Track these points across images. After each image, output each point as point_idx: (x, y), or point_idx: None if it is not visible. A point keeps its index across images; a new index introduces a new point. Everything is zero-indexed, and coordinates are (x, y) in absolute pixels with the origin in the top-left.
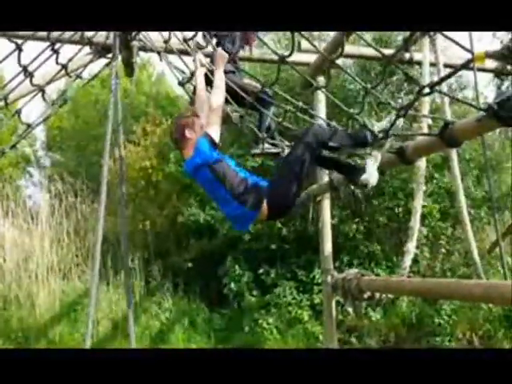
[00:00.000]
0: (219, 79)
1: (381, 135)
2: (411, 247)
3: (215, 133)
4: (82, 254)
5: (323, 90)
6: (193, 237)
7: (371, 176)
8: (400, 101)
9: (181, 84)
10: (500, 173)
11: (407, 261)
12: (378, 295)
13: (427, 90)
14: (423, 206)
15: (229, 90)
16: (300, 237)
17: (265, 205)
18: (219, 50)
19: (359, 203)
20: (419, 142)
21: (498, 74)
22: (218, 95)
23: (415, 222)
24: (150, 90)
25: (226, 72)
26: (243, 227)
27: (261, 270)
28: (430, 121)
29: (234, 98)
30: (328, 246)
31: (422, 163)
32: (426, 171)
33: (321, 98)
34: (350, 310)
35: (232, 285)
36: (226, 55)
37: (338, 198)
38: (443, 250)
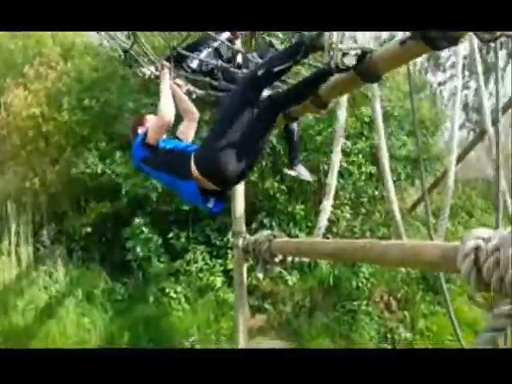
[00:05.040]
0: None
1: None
2: (327, 206)
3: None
4: None
5: None
6: (93, 197)
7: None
8: None
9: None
10: (432, 135)
11: (322, 220)
12: (290, 258)
13: None
14: (350, 163)
15: None
16: None
17: (193, 168)
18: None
19: (278, 157)
20: (333, 80)
21: None
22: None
23: (332, 178)
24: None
25: None
26: (197, 202)
27: (170, 234)
28: None
29: None
30: (240, 206)
31: (341, 112)
32: (355, 128)
33: None
34: (260, 275)
35: (138, 249)
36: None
37: None
38: (363, 210)
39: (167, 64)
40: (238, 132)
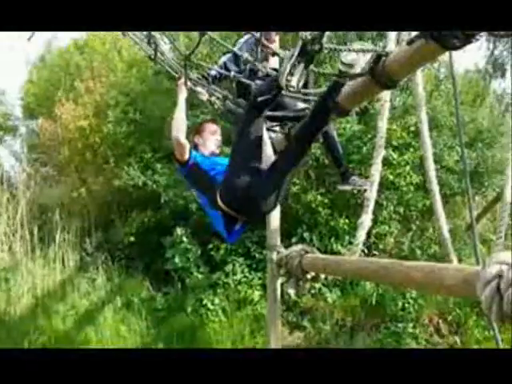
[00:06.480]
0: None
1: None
2: (366, 220)
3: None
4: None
5: None
6: (136, 207)
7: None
8: None
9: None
10: (491, 147)
11: (360, 236)
12: (323, 275)
13: None
14: (397, 175)
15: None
16: None
17: (219, 201)
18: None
19: (323, 169)
20: (350, 86)
21: None
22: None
23: (372, 190)
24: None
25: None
26: (222, 233)
27: (210, 245)
28: None
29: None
30: (276, 219)
31: (382, 123)
32: (403, 138)
33: None
34: (292, 291)
35: (177, 259)
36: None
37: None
38: (414, 226)
39: (183, 72)
40: (255, 163)
